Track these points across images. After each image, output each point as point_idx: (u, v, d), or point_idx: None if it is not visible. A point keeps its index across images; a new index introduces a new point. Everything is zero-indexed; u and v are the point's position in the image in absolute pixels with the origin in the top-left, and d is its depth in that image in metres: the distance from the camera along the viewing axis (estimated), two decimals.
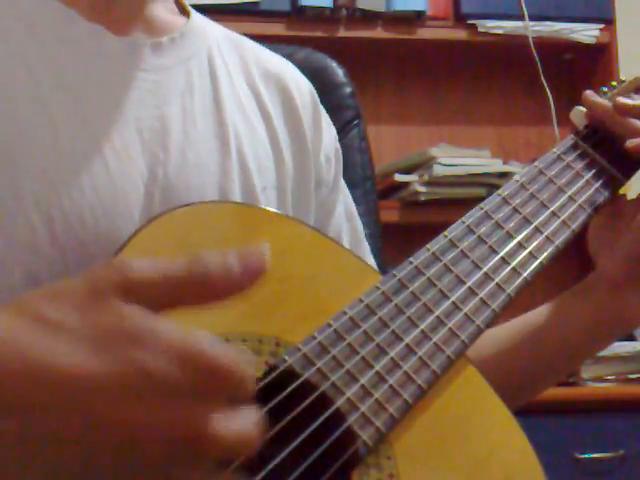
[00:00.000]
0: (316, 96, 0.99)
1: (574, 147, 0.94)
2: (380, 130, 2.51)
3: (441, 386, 0.76)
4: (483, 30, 2.43)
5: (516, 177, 0.90)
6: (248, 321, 0.73)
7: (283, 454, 0.65)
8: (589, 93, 0.98)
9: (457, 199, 2.31)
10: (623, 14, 2.55)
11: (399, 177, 2.32)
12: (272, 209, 0.87)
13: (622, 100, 0.95)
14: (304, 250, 0.81)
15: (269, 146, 0.91)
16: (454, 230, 0.84)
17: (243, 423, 0.53)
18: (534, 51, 2.42)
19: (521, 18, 2.43)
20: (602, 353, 2.11)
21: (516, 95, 2.64)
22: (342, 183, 1.01)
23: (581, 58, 2.58)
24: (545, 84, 2.44)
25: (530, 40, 2.42)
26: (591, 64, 2.56)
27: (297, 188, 0.93)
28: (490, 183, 2.33)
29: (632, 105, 0.94)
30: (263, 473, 0.64)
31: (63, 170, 0.77)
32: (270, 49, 1.01)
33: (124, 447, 0.51)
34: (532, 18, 2.43)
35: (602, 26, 2.49)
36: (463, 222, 0.85)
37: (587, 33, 2.49)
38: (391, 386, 0.73)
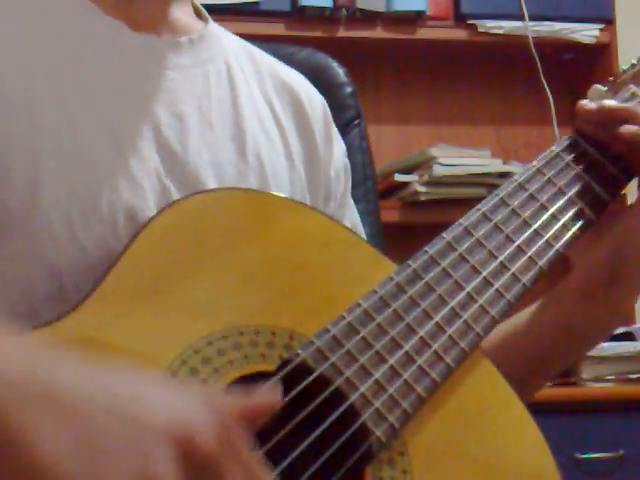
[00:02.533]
0: (328, 110, 0.99)
1: (574, 145, 0.92)
2: (380, 130, 2.50)
3: (455, 380, 0.76)
4: (483, 30, 2.43)
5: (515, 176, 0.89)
6: (262, 313, 0.73)
7: (297, 450, 0.65)
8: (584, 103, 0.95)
9: (457, 199, 2.31)
10: (623, 14, 2.54)
11: (399, 177, 2.32)
12: (288, 197, 0.86)
13: (606, 104, 0.91)
14: (319, 238, 0.80)
15: (283, 156, 0.91)
16: (469, 218, 0.83)
17: None
18: (534, 51, 2.42)
19: (521, 18, 2.43)
20: (602, 353, 2.11)
21: (516, 95, 2.64)
22: (350, 199, 1.01)
23: (581, 58, 2.58)
24: (545, 84, 2.44)
25: (530, 40, 2.42)
26: (591, 64, 2.56)
27: (308, 199, 0.93)
28: (490, 183, 2.33)
29: (615, 108, 0.91)
30: (278, 469, 0.64)
31: (81, 168, 0.78)
32: (270, 49, 1.01)
33: None
34: (532, 18, 2.43)
35: (602, 26, 2.49)
36: (479, 210, 0.83)
37: (587, 33, 2.49)
38: (405, 381, 0.73)
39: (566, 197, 0.88)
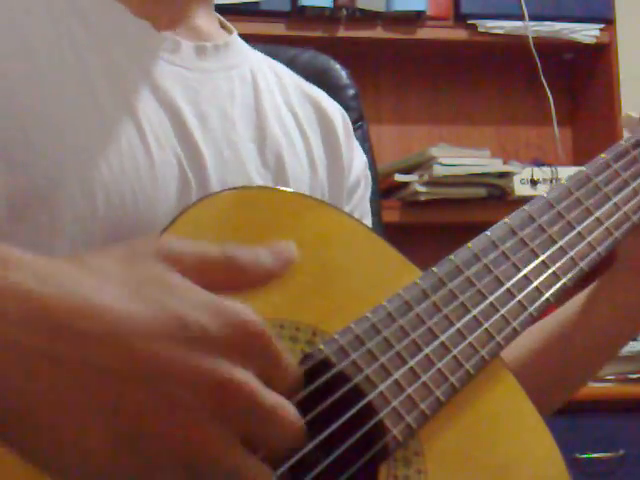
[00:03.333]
0: (349, 120, 1.01)
1: (624, 153, 0.93)
2: (380, 130, 2.51)
3: (474, 386, 0.76)
4: (483, 30, 2.43)
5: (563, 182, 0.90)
6: (287, 308, 0.73)
7: (312, 444, 0.65)
8: None
9: (457, 199, 2.31)
10: (623, 14, 2.55)
11: (399, 177, 2.32)
12: (315, 197, 0.87)
13: None
14: (345, 239, 0.80)
15: (306, 162, 0.93)
16: (496, 230, 0.84)
17: (277, 398, 0.57)
18: (534, 51, 2.42)
19: (521, 18, 2.43)
20: None
21: (516, 95, 2.65)
22: (368, 207, 1.02)
23: (581, 58, 2.58)
24: (545, 84, 2.44)
25: (530, 40, 2.42)
26: (591, 64, 2.57)
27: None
28: (490, 183, 2.33)
29: None
30: (291, 462, 0.64)
31: (107, 150, 0.80)
32: (271, 49, 1.02)
33: (154, 382, 0.53)
34: (532, 18, 2.43)
35: (602, 26, 2.49)
36: (505, 223, 0.84)
37: (587, 33, 2.49)
38: (424, 383, 0.73)
39: (611, 202, 0.90)
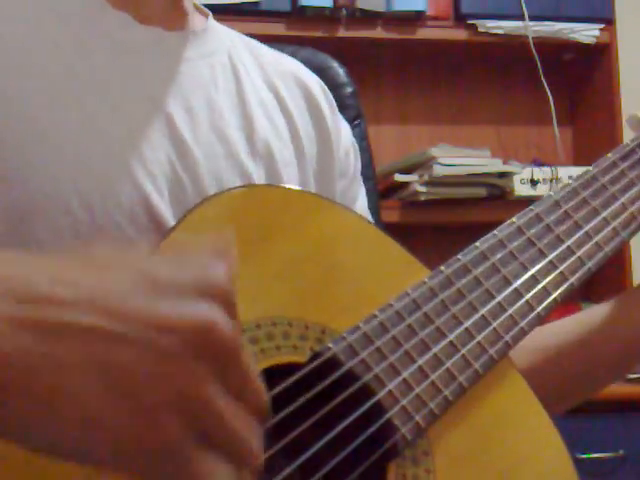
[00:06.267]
0: (328, 91, 1.00)
1: (631, 154, 0.92)
2: (380, 130, 2.51)
3: (482, 386, 0.76)
4: (483, 30, 2.43)
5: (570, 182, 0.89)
6: (296, 307, 0.73)
7: (321, 442, 0.66)
8: None
9: (457, 199, 2.31)
10: (623, 14, 2.55)
11: (399, 177, 2.32)
12: (324, 196, 0.87)
13: None
14: (353, 239, 0.81)
15: (290, 141, 0.92)
16: (504, 230, 0.84)
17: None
18: (534, 51, 2.42)
19: (521, 18, 2.43)
20: None
21: (516, 95, 2.65)
22: (360, 179, 1.02)
23: (581, 58, 2.58)
24: (545, 84, 2.44)
25: (530, 40, 2.42)
26: (591, 64, 2.56)
27: (320, 180, 0.94)
28: (490, 183, 2.33)
29: None
30: (300, 460, 0.64)
31: (99, 156, 0.80)
32: (270, 47, 1.01)
33: (137, 335, 0.52)
34: (532, 18, 2.43)
35: (602, 26, 2.49)
36: (513, 223, 0.84)
37: (587, 33, 2.49)
38: (433, 382, 0.73)
39: (619, 202, 0.89)
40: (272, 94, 0.94)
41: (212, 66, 0.90)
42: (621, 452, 2.09)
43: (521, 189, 2.34)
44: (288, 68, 0.98)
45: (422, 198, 2.30)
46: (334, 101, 1.00)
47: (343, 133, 0.99)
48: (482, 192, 2.32)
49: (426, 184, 2.29)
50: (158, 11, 0.88)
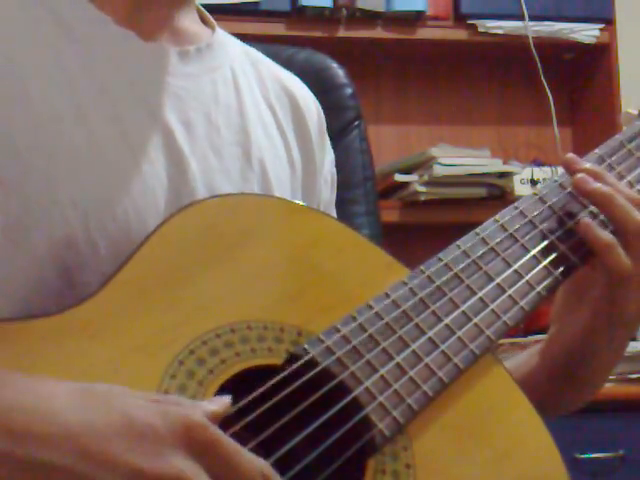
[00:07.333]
0: (323, 116, 1.01)
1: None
2: (380, 130, 2.50)
3: (465, 381, 0.76)
4: (483, 30, 2.43)
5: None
6: (272, 310, 0.74)
7: (297, 438, 0.66)
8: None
9: (457, 199, 2.31)
10: (623, 14, 2.54)
11: (399, 177, 2.32)
12: (300, 202, 0.87)
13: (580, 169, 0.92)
14: (332, 242, 0.81)
15: (286, 161, 0.93)
16: (487, 229, 0.84)
17: None
18: (534, 51, 2.42)
19: (521, 18, 2.43)
20: None
21: (516, 95, 2.64)
22: (334, 210, 1.02)
23: (581, 58, 2.58)
24: (545, 84, 2.44)
25: (530, 40, 2.42)
26: (591, 64, 2.56)
27: (306, 200, 0.94)
28: (490, 183, 2.33)
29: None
30: (276, 456, 0.65)
31: (97, 169, 0.80)
32: (270, 49, 1.01)
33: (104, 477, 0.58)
34: (532, 18, 2.43)
35: (602, 26, 2.49)
36: (496, 221, 0.85)
37: (587, 33, 2.49)
38: (411, 378, 0.74)
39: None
40: (270, 112, 0.95)
41: (214, 81, 0.90)
42: (621, 452, 2.08)
43: (521, 189, 2.34)
44: (287, 87, 0.98)
45: (422, 198, 2.30)
46: (325, 128, 1.00)
47: (328, 159, 1.00)
48: (482, 192, 2.32)
49: (426, 184, 2.29)
50: (161, 28, 0.88)
